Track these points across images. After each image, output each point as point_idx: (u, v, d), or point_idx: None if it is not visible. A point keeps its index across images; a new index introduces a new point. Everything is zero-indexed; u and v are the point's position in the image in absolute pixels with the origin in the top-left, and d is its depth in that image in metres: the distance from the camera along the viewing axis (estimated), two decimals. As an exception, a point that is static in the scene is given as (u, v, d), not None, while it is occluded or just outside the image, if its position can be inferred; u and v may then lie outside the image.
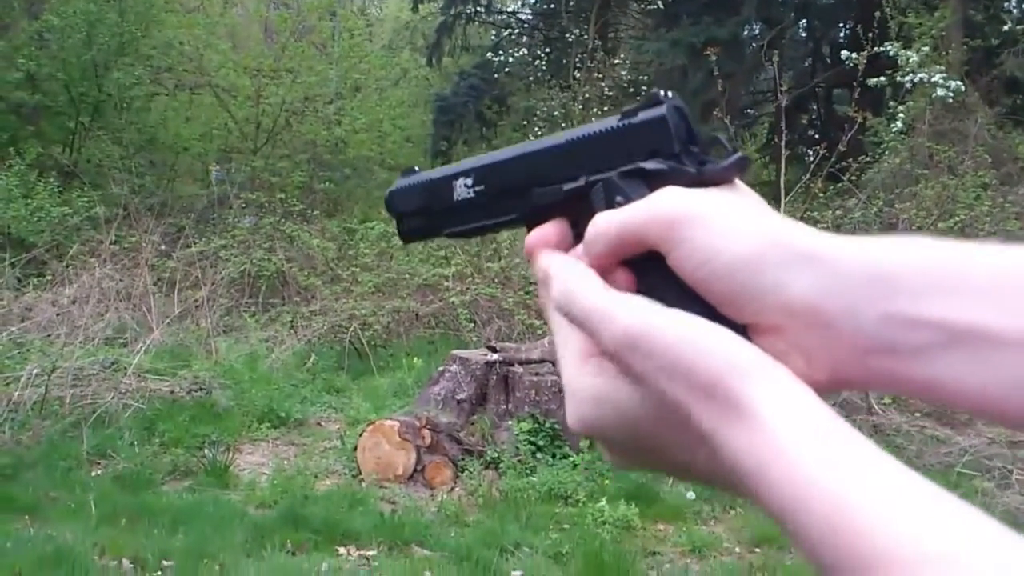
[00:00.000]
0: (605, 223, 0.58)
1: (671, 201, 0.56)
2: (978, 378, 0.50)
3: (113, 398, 7.20)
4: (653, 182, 0.60)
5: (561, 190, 0.65)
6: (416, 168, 0.80)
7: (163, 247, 11.43)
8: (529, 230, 0.68)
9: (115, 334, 8.85)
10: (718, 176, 0.59)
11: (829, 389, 0.54)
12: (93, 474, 6.30)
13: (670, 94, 0.62)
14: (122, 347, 8.44)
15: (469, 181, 0.72)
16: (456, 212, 0.73)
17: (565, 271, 0.59)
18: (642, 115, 0.62)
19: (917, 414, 6.95)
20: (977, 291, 0.50)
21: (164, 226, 12.05)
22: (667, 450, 0.55)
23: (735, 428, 0.49)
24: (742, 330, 0.53)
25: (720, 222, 0.55)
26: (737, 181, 0.60)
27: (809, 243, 0.53)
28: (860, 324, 0.52)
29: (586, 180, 0.64)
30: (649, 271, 0.56)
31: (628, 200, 0.60)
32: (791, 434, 0.47)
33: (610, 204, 0.61)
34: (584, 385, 0.58)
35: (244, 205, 13.22)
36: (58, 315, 8.92)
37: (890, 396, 7.13)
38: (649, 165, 0.61)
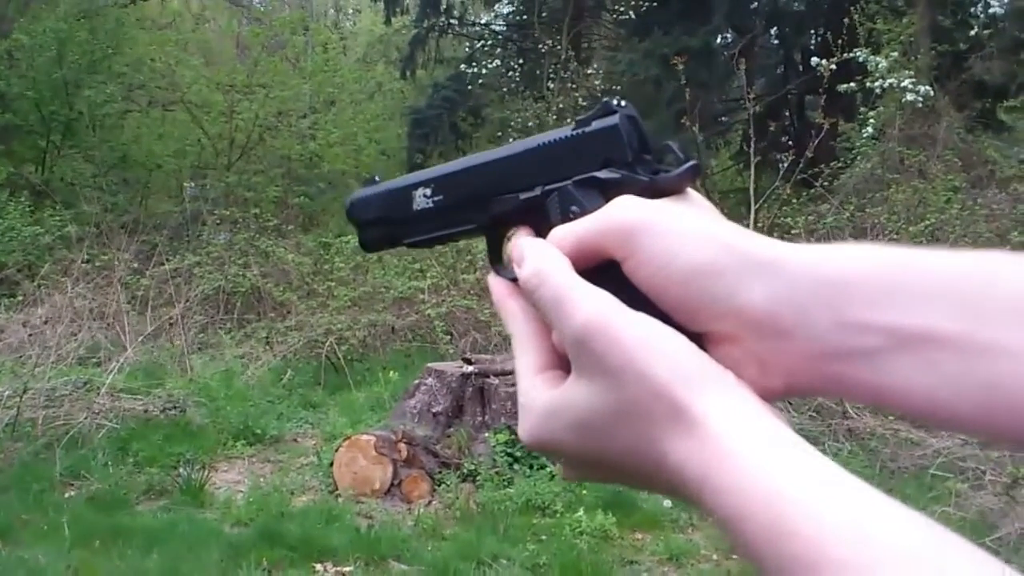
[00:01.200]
0: (562, 235, 0.59)
1: (626, 209, 0.57)
2: (927, 382, 0.51)
3: (86, 418, 7.13)
4: (607, 191, 0.60)
5: (518, 199, 0.66)
6: (377, 178, 0.81)
7: (136, 265, 11.35)
8: (488, 240, 0.70)
9: (88, 353, 8.77)
10: (671, 184, 0.60)
11: (783, 395, 0.55)
12: (66, 496, 6.23)
13: (623, 103, 0.63)
14: (95, 366, 8.37)
15: (428, 191, 0.73)
16: (416, 222, 0.74)
17: (539, 253, 0.59)
18: (595, 124, 0.63)
19: (891, 417, 6.99)
20: (925, 296, 0.51)
21: (137, 244, 11.96)
22: (617, 454, 0.55)
23: (681, 435, 0.50)
24: (696, 337, 0.54)
25: (675, 230, 0.55)
26: (690, 190, 0.61)
27: (762, 251, 0.54)
28: (813, 331, 0.52)
29: (542, 189, 0.64)
30: (605, 279, 0.56)
31: (583, 209, 0.61)
32: (734, 442, 0.48)
33: (565, 213, 0.62)
34: (536, 401, 0.59)
35: (218, 221, 13.16)
36: (30, 335, 8.84)
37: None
38: (603, 174, 0.61)
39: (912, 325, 0.51)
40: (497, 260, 0.69)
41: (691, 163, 0.60)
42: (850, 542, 0.42)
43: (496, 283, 0.66)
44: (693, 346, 0.53)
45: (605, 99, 0.63)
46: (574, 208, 0.61)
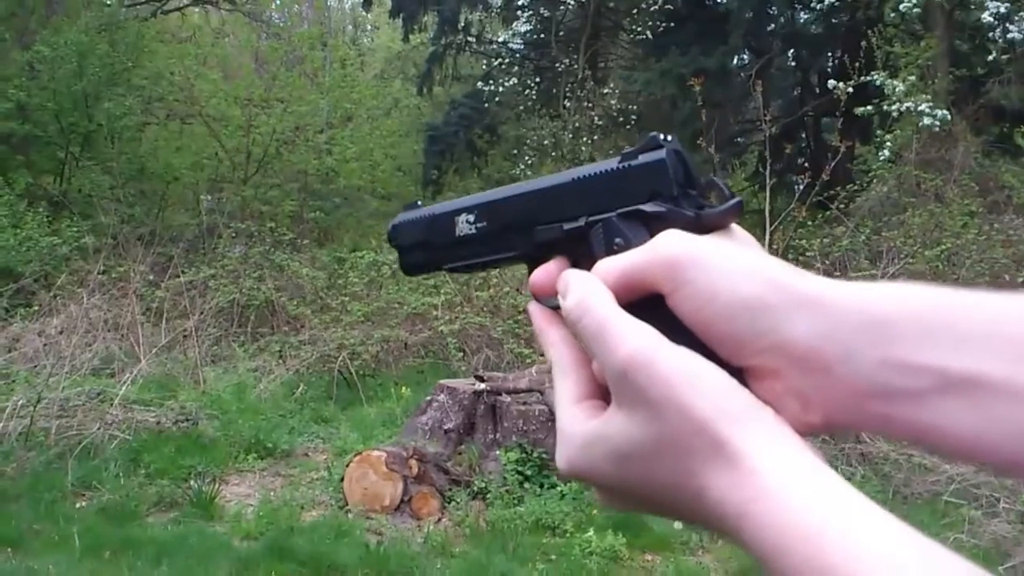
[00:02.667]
0: (607, 267, 0.60)
1: (673, 243, 0.57)
2: (973, 426, 0.51)
3: (99, 429, 7.16)
4: (652, 224, 0.61)
5: (561, 229, 0.67)
6: (419, 202, 0.82)
7: (152, 277, 11.41)
8: (529, 268, 0.70)
9: (102, 364, 8.81)
10: (716, 220, 0.60)
11: (823, 431, 0.55)
12: (78, 506, 6.25)
13: (669, 137, 0.64)
14: (109, 377, 8.40)
15: (471, 217, 0.74)
16: (457, 247, 0.75)
17: (583, 284, 0.60)
18: (642, 158, 0.63)
19: (905, 442, 6.93)
20: (975, 339, 0.51)
21: (153, 256, 12.04)
22: (656, 485, 0.55)
23: (721, 470, 0.51)
24: (738, 373, 0.54)
25: (721, 265, 0.56)
26: (734, 225, 0.62)
27: (808, 287, 0.55)
28: (857, 368, 0.53)
29: (586, 221, 0.65)
30: (649, 312, 0.57)
31: (627, 242, 0.61)
32: (774, 478, 0.49)
33: (609, 245, 0.63)
34: (575, 430, 0.59)
35: (234, 234, 13.22)
36: (45, 345, 8.89)
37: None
38: (648, 208, 0.62)
39: (959, 367, 0.51)
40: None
41: (736, 199, 0.61)
42: None
43: (537, 310, 0.67)
44: (734, 382, 0.53)
45: (652, 133, 0.64)
46: (618, 240, 0.62)
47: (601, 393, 0.60)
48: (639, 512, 0.61)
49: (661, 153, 0.62)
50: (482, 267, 0.75)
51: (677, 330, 0.56)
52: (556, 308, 0.64)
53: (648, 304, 0.57)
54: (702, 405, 0.52)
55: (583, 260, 0.64)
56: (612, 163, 0.65)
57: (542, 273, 0.66)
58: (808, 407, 0.54)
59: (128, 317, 9.91)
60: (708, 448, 0.51)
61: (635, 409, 0.54)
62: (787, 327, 0.54)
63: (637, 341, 0.54)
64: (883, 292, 0.54)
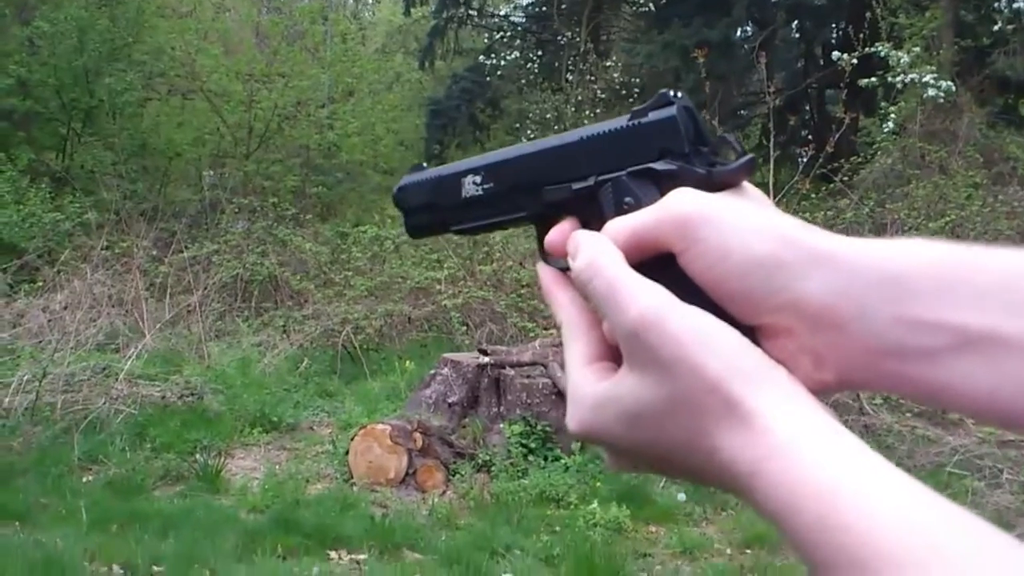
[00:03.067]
0: (617, 227, 0.59)
1: (685, 201, 0.57)
2: (988, 382, 0.50)
3: (104, 404, 7.19)
4: (663, 183, 0.60)
5: (570, 189, 0.66)
6: (424, 164, 0.81)
7: (155, 252, 11.42)
8: (537, 228, 0.69)
9: (107, 340, 8.83)
10: (728, 177, 0.59)
11: (836, 390, 0.55)
12: (84, 480, 6.28)
13: (679, 94, 0.63)
14: (114, 352, 8.43)
15: (478, 178, 0.72)
16: (464, 208, 0.74)
17: (593, 245, 0.59)
18: (652, 115, 0.62)
19: (908, 414, 6.96)
20: (989, 295, 0.51)
21: (156, 231, 12.04)
22: (667, 446, 0.55)
23: (733, 429, 0.50)
24: (750, 331, 0.54)
25: (734, 223, 0.55)
26: (746, 183, 0.61)
27: (822, 244, 0.54)
28: (872, 326, 0.52)
29: (595, 180, 0.64)
30: (660, 271, 0.56)
31: (637, 201, 0.60)
32: (786, 436, 0.49)
33: (619, 204, 0.62)
34: (586, 391, 0.58)
35: (237, 210, 13.22)
36: (49, 321, 8.90)
37: (881, 396, 7.14)
38: (659, 166, 0.61)
39: (975, 324, 0.50)
40: (541, 253, 0.68)
41: (748, 156, 0.60)
42: (902, 538, 0.42)
43: (545, 272, 0.66)
44: (747, 341, 0.53)
45: (662, 90, 0.63)
46: (628, 200, 0.61)
47: (612, 355, 0.59)
48: (650, 472, 0.61)
49: (672, 110, 0.61)
50: (489, 228, 0.74)
51: (688, 289, 0.55)
52: (565, 269, 0.63)
53: (659, 264, 0.57)
54: (714, 364, 0.51)
55: (593, 220, 0.63)
56: (621, 121, 0.64)
57: (556, 234, 0.65)
58: (821, 365, 0.54)
59: (132, 293, 9.92)
60: (720, 407, 0.51)
61: (646, 369, 0.54)
62: (801, 284, 0.53)
63: (648, 300, 0.54)
64: (898, 248, 0.54)
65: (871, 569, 0.43)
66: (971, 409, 0.52)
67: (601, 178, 0.64)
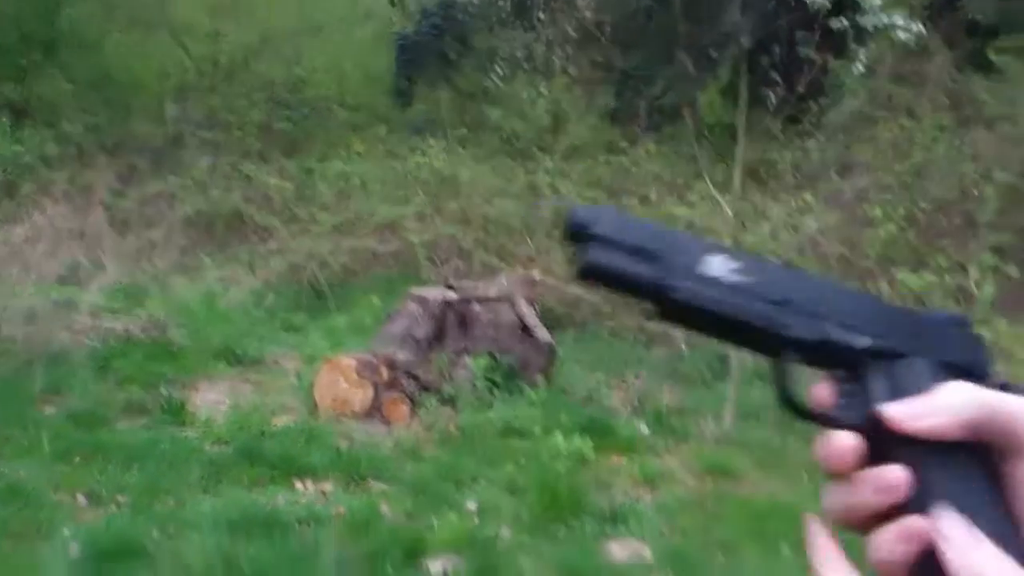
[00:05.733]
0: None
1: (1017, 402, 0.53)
2: None
3: (67, 337, 7.12)
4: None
5: (853, 341, 0.59)
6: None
7: (117, 186, 11.23)
8: (779, 360, 0.60)
9: (68, 273, 8.72)
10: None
11: None
12: (47, 412, 6.24)
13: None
14: (75, 286, 8.32)
15: (733, 265, 0.61)
16: (696, 281, 0.60)
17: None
18: (966, 328, 0.60)
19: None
20: None
21: (118, 165, 11.82)
22: None
23: None
24: None
25: None
26: None
27: None
28: None
29: (885, 345, 0.59)
30: (955, 460, 0.53)
31: (915, 388, 0.56)
32: None
33: (896, 386, 0.57)
34: None
35: (200, 144, 13.01)
36: (10, 254, 8.77)
37: None
38: (959, 361, 0.58)
39: None
40: (786, 391, 0.59)
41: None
42: None
43: (823, 541, 0.56)
44: None
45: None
46: (910, 382, 0.56)
47: None
48: None
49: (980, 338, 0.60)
50: (721, 326, 0.60)
51: (991, 494, 0.52)
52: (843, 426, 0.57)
53: (958, 450, 0.53)
54: None
55: (850, 383, 0.58)
56: (943, 314, 0.61)
57: (838, 447, 0.56)
58: None
59: (93, 226, 9.78)
60: None
61: None
62: None
63: None
64: None
65: None
66: None
67: (890, 348, 0.58)
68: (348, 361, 6.36)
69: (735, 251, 0.61)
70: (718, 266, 0.59)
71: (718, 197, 6.99)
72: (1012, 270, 6.71)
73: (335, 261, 9.63)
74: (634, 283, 0.60)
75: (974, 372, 0.57)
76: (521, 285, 7.27)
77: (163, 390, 6.52)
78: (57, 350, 6.98)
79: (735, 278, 0.59)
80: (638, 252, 0.59)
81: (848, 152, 10.61)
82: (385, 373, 6.36)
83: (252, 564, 4.12)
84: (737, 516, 5.01)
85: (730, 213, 6.37)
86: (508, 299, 6.96)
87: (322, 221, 10.22)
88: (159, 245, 9.72)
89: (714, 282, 0.59)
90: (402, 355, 6.64)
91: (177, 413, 6.23)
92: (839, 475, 0.56)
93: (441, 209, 10.13)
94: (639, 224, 0.61)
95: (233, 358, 7.35)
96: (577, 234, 0.61)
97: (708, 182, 7.41)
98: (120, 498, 4.92)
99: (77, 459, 5.37)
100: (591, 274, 0.60)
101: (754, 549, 4.64)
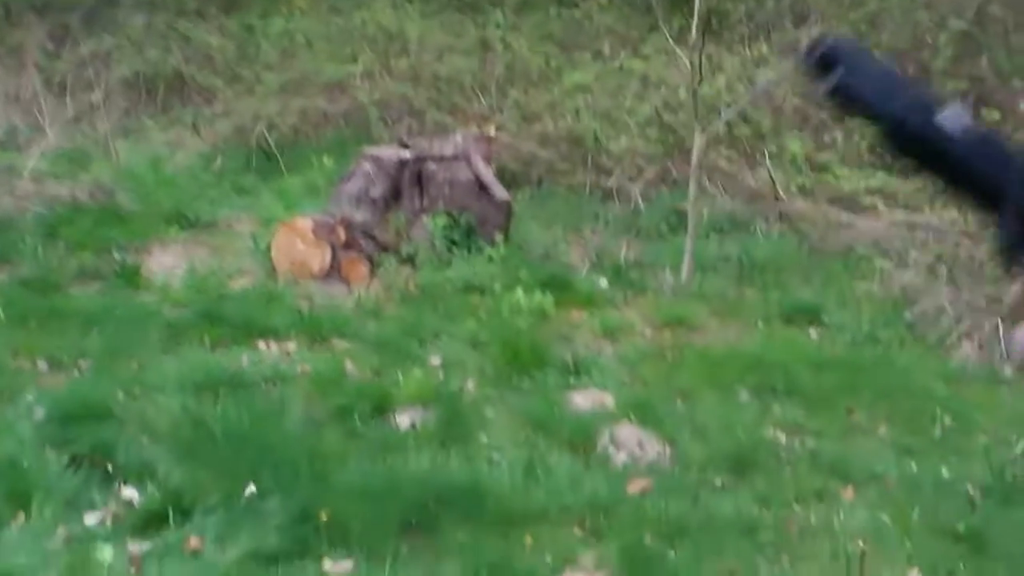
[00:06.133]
0: None
1: None
2: None
3: (10, 202, 6.92)
4: None
5: None
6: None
7: (50, 47, 10.74)
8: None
9: (6, 138, 8.42)
10: None
11: None
12: (-3, 279, 6.11)
13: None
14: (15, 152, 8.05)
15: (961, 115, 0.68)
16: (933, 126, 0.68)
17: None
18: None
19: (822, 201, 7.14)
20: None
21: (49, 25, 11.27)
22: None
23: None
24: None
25: None
26: None
27: None
28: None
29: None
30: None
31: None
32: None
33: None
34: None
35: (135, 2, 12.41)
36: (-58, 119, 8.43)
37: (795, 185, 7.30)
38: None
39: None
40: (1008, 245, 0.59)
41: None
42: None
43: None
44: None
45: None
46: None
47: None
48: None
49: None
50: (964, 177, 0.63)
51: None
52: None
53: None
54: None
55: None
56: None
57: None
58: None
59: (28, 89, 9.40)
60: None
61: None
62: None
63: None
64: None
65: None
66: None
67: None
68: (304, 223, 6.29)
69: (962, 103, 0.63)
70: (950, 115, 0.64)
71: (677, 50, 6.88)
72: (965, 118, 6.75)
73: (284, 122, 9.38)
74: (874, 111, 0.69)
75: None
76: (476, 143, 7.16)
77: (116, 255, 6.41)
78: (3, 216, 6.79)
79: (959, 139, 0.64)
80: (881, 82, 0.67)
81: (803, 1, 10.45)
82: (342, 234, 6.31)
83: (220, 423, 4.14)
84: (696, 364, 5.13)
85: (688, 65, 6.29)
86: (464, 157, 6.87)
87: (267, 81, 9.90)
88: (99, 108, 9.38)
89: (944, 130, 0.64)
90: (359, 215, 6.57)
91: (132, 278, 6.15)
92: None
93: (390, 67, 9.86)
94: (879, 60, 0.65)
95: (185, 222, 7.21)
96: (826, 60, 0.70)
97: (667, 34, 7.27)
98: (81, 362, 4.88)
99: (33, 324, 5.30)
100: (840, 94, 0.70)
101: (712, 395, 4.77)
